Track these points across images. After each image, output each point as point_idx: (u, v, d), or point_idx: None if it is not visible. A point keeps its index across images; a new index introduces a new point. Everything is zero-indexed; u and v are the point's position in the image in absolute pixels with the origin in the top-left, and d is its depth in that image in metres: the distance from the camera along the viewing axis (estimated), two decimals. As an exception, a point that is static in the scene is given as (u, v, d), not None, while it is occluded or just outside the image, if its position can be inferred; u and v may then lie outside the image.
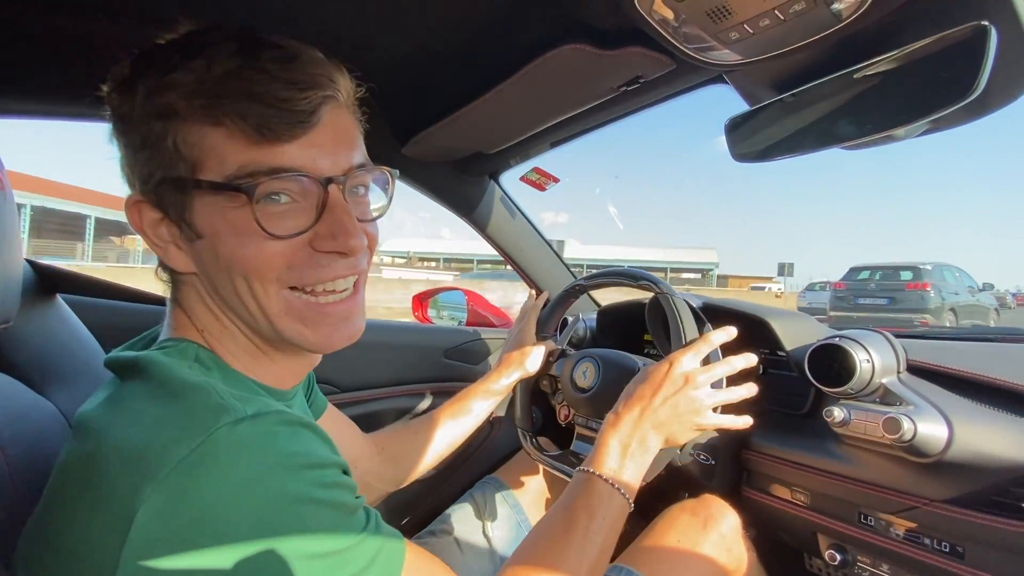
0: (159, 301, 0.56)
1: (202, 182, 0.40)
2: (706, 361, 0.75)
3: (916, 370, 0.78)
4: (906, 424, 0.66)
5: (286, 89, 0.40)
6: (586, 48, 0.64)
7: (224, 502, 0.34)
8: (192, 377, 0.40)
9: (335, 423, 0.77)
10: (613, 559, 0.77)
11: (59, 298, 0.72)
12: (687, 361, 0.72)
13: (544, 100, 0.81)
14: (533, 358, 1.00)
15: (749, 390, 0.75)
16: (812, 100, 0.66)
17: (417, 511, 0.93)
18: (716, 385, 0.73)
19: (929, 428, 0.67)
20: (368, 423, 1.20)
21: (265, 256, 0.42)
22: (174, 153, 0.40)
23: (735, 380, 0.76)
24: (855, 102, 0.61)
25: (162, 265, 0.47)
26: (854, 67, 0.58)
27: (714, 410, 0.73)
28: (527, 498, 1.04)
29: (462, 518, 1.00)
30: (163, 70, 0.39)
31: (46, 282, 0.70)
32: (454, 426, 0.93)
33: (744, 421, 0.75)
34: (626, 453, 0.67)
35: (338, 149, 0.44)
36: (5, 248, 0.49)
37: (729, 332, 0.76)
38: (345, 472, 0.42)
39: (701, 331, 0.79)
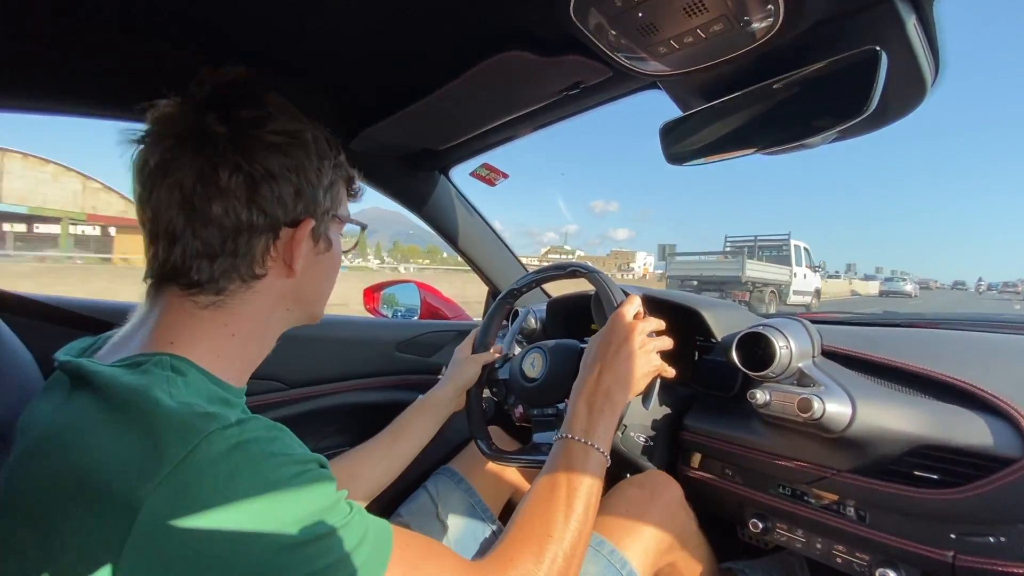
0: (101, 327, 0.59)
1: (344, 216, 0.61)
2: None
3: (829, 354, 0.86)
4: (816, 404, 0.74)
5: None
6: (528, 55, 0.67)
7: (222, 495, 0.38)
8: (173, 400, 0.43)
9: None
10: None
11: None
12: (626, 314, 0.80)
13: (490, 101, 0.83)
14: (469, 368, 1.03)
15: (666, 342, 0.82)
16: (736, 109, 0.71)
17: (369, 509, 0.94)
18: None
19: (836, 407, 0.74)
20: (318, 419, 1.20)
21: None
22: (337, 197, 0.60)
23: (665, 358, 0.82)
24: (772, 113, 0.67)
25: (237, 280, 0.53)
26: (770, 80, 0.64)
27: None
28: (481, 480, 1.07)
29: (415, 509, 1.02)
30: (336, 151, 0.59)
31: None
32: (388, 453, 0.94)
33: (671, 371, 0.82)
34: (593, 411, 0.72)
35: None
36: None
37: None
38: (323, 466, 0.46)
39: None
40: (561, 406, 0.97)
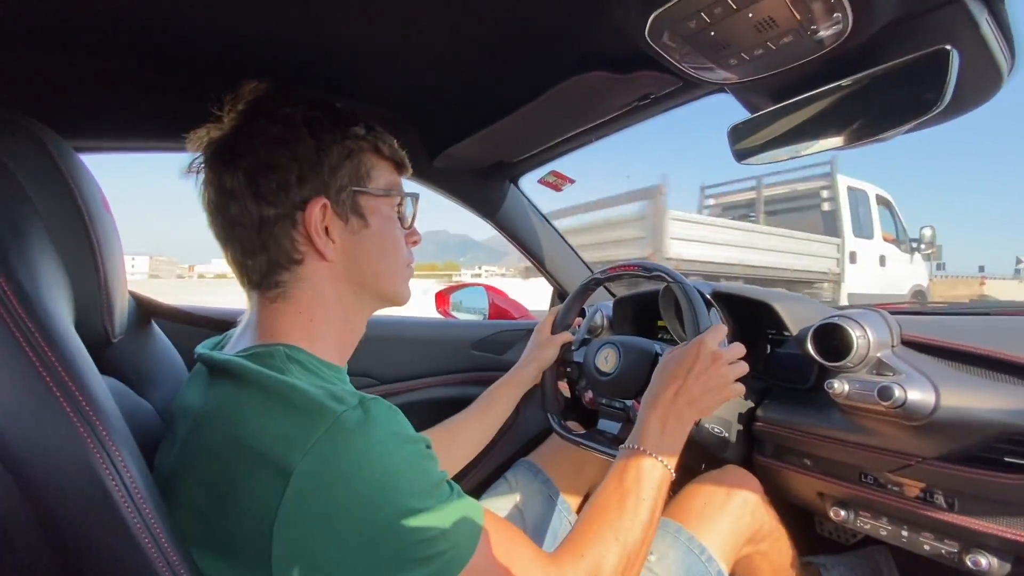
0: (225, 327, 0.70)
1: (378, 190, 0.62)
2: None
3: (909, 343, 0.86)
4: (897, 391, 0.74)
5: (399, 147, 0.66)
6: (603, 74, 0.73)
7: (354, 467, 0.46)
8: (305, 383, 0.50)
9: None
10: None
11: (153, 322, 0.85)
12: (713, 343, 0.81)
13: (563, 117, 0.90)
14: (549, 350, 1.11)
15: (743, 368, 0.83)
16: (806, 108, 0.74)
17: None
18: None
19: (918, 394, 0.75)
20: (406, 411, 1.30)
21: (401, 239, 0.66)
22: (357, 171, 0.60)
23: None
24: (842, 111, 0.69)
25: (282, 271, 0.58)
26: (839, 81, 0.67)
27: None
28: (559, 474, 1.12)
29: (495, 495, 1.08)
30: (345, 125, 0.60)
31: (143, 309, 0.82)
32: (481, 422, 1.03)
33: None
34: (665, 429, 0.75)
35: None
36: (112, 274, 0.60)
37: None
38: (428, 447, 0.53)
39: (709, 314, 0.88)
40: (628, 402, 1.02)
